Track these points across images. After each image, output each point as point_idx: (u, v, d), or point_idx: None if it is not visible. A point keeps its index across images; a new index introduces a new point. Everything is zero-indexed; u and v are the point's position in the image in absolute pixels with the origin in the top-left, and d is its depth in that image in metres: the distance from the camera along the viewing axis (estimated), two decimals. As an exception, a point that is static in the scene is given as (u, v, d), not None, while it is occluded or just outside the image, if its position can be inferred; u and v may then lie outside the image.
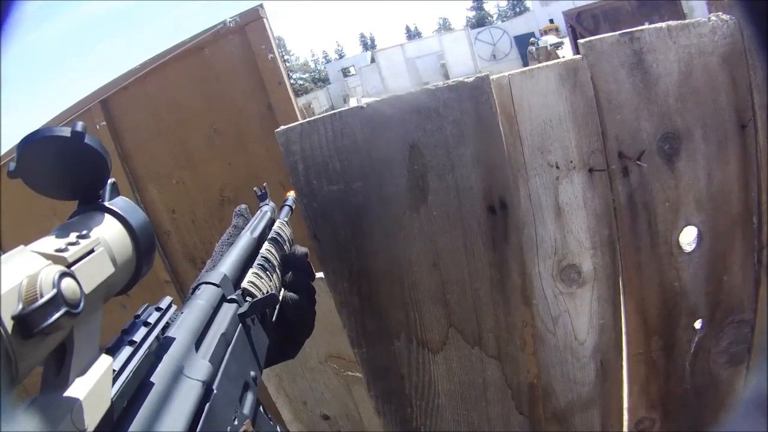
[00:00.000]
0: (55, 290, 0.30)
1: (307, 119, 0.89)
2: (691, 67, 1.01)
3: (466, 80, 0.87)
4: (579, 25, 4.76)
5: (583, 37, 4.85)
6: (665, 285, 1.09)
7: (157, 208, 2.10)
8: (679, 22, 1.02)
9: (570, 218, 1.00)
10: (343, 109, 0.89)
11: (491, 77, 0.90)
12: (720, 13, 1.06)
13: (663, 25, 1.00)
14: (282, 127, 0.91)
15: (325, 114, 0.89)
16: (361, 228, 0.92)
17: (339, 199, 0.91)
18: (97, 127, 2.08)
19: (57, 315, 0.30)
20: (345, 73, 26.16)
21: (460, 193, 0.90)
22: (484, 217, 0.92)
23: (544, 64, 0.94)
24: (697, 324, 1.14)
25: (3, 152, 2.25)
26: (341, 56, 47.74)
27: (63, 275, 0.32)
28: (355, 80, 20.22)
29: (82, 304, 0.32)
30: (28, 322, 0.29)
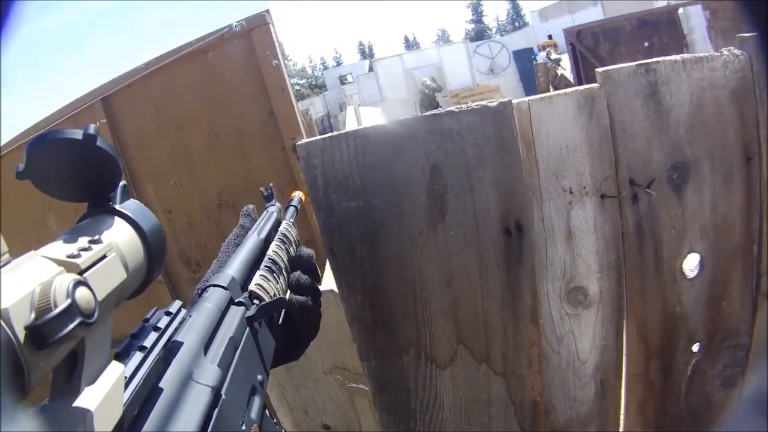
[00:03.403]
0: (69, 300, 0.30)
1: (329, 134, 0.90)
2: (703, 99, 1.04)
3: (489, 104, 0.89)
4: (579, 42, 4.81)
5: (582, 54, 4.93)
6: (667, 309, 1.12)
7: (153, 208, 2.06)
8: (693, 55, 1.05)
9: (580, 242, 1.02)
10: (365, 126, 0.90)
11: (513, 102, 0.91)
12: (732, 48, 1.09)
13: (678, 57, 1.03)
14: (303, 141, 0.91)
15: (348, 130, 0.90)
16: (378, 244, 0.93)
17: (357, 215, 0.92)
18: (98, 124, 2.06)
19: (72, 326, 0.29)
20: (342, 80, 26.05)
21: (478, 215, 0.92)
22: (500, 239, 0.93)
23: (563, 91, 0.96)
24: (695, 347, 1.17)
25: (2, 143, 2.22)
26: (339, 63, 47.61)
27: (77, 284, 0.31)
28: (352, 88, 20.15)
29: (96, 314, 0.32)
30: (42, 332, 0.28)
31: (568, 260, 1.02)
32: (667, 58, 1.03)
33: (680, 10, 5.01)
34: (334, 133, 0.91)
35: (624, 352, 1.13)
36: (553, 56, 10.36)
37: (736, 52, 1.08)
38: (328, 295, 1.09)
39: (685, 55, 1.04)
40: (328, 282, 1.05)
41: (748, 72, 1.07)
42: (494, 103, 0.89)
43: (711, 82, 1.05)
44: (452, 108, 0.89)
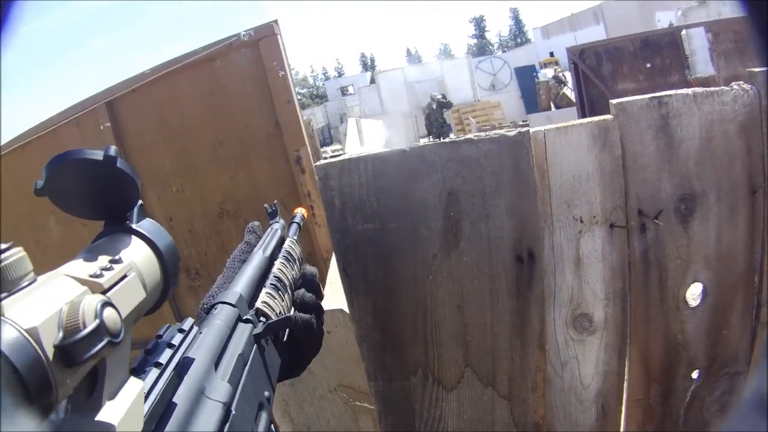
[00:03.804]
0: (98, 321, 0.31)
1: (348, 156, 0.91)
2: (712, 133, 1.06)
3: (507, 133, 0.90)
4: (581, 62, 4.86)
5: (584, 74, 4.98)
6: (669, 336, 1.14)
7: (154, 215, 2.07)
8: (705, 89, 1.06)
9: (588, 270, 1.03)
10: (385, 150, 0.91)
11: (530, 131, 0.92)
12: (742, 82, 1.11)
13: (689, 91, 1.05)
14: (322, 162, 0.92)
15: (367, 153, 0.91)
16: (392, 267, 0.94)
17: (372, 237, 0.93)
18: (102, 127, 2.05)
19: (100, 346, 0.30)
20: (343, 91, 26.11)
21: (491, 242, 0.93)
22: (512, 266, 0.95)
23: (578, 121, 0.97)
24: (695, 374, 1.19)
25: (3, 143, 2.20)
26: (340, 74, 47.62)
27: (105, 305, 0.32)
28: (353, 99, 20.22)
29: (122, 334, 0.33)
30: (71, 351, 0.29)
31: (576, 287, 1.04)
32: (679, 91, 1.04)
33: (683, 32, 5.08)
34: (353, 155, 0.91)
35: (626, 377, 1.15)
36: (559, 73, 10.45)
37: (746, 86, 1.10)
38: (337, 314, 1.10)
39: (697, 89, 1.06)
40: (338, 301, 1.06)
41: (756, 106, 1.10)
42: (512, 133, 0.90)
43: (721, 116, 1.07)
44: (471, 136, 0.90)
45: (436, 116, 12.97)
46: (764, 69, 1.09)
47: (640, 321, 1.11)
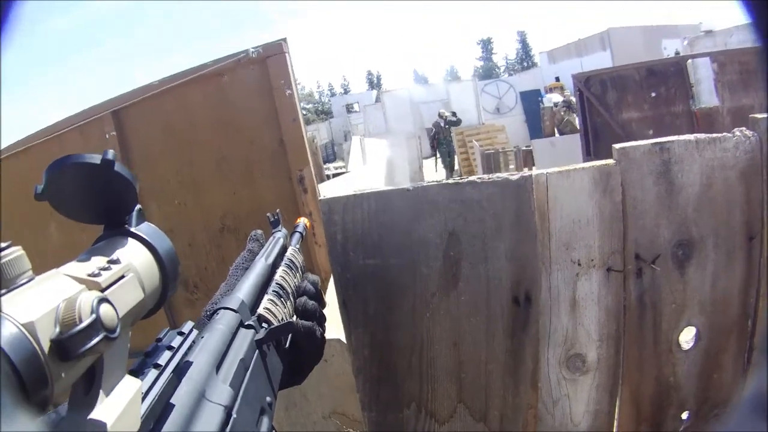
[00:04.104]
0: (94, 315, 0.31)
1: (353, 192, 0.92)
2: (712, 179, 1.07)
3: (511, 177, 0.91)
4: (587, 89, 4.88)
5: (589, 101, 5.00)
6: (661, 378, 1.15)
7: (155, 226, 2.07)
8: (707, 135, 1.08)
9: (583, 312, 1.04)
10: (389, 188, 0.92)
11: (533, 175, 0.94)
12: (744, 128, 1.12)
13: (692, 137, 1.06)
14: (326, 197, 0.93)
15: (371, 190, 0.92)
16: (391, 302, 0.95)
17: (373, 273, 0.94)
18: (107, 136, 2.06)
19: (96, 340, 0.31)
20: (349, 109, 26.16)
21: (490, 283, 0.94)
22: (508, 308, 0.96)
23: (581, 165, 0.99)
24: (684, 415, 1.21)
25: (3, 146, 2.21)
26: (346, 91, 47.72)
27: (101, 301, 0.33)
28: (358, 117, 20.25)
29: (118, 330, 0.33)
30: (67, 345, 0.30)
31: (571, 328, 1.05)
32: (681, 137, 1.06)
33: (689, 62, 5.10)
34: (358, 191, 0.92)
35: (616, 417, 1.16)
36: (570, 98, 10.47)
37: (748, 133, 1.11)
38: (335, 344, 1.11)
39: (699, 136, 1.07)
40: (335, 330, 1.07)
41: (757, 153, 1.11)
42: (515, 177, 0.91)
43: (722, 163, 1.08)
44: (474, 178, 0.91)
45: (445, 134, 12.68)
46: (766, 116, 1.11)
47: (632, 362, 1.12)
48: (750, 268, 1.14)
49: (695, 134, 1.09)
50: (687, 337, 1.15)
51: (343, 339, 1.01)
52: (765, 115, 1.11)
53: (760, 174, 1.12)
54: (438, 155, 13.24)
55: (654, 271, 1.07)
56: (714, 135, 1.10)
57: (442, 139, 12.75)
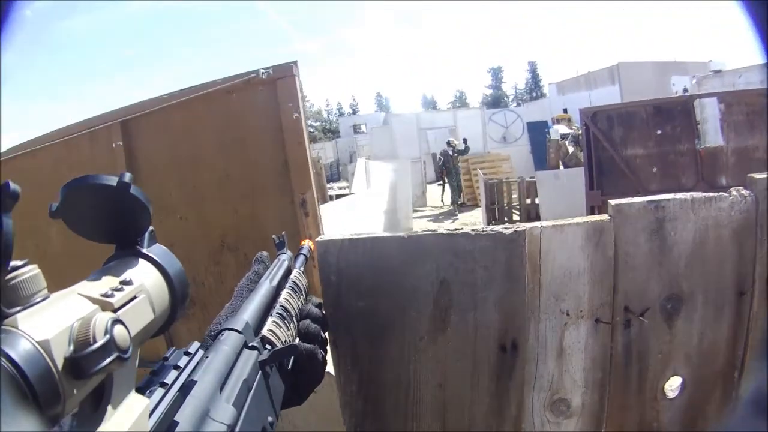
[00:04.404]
0: (108, 336, 0.33)
1: (349, 236, 0.94)
2: (705, 237, 1.09)
3: (504, 231, 0.93)
4: (593, 124, 4.87)
5: (595, 136, 4.99)
6: (644, 425, 1.17)
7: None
8: (704, 195, 1.09)
9: (569, 359, 1.07)
10: (384, 234, 0.95)
11: (527, 228, 0.96)
12: (741, 188, 1.13)
13: (688, 196, 1.08)
14: (324, 238, 0.96)
15: (367, 235, 0.95)
16: (380, 343, 0.98)
17: (364, 314, 0.97)
18: (114, 145, 2.09)
19: (109, 360, 0.32)
20: (356, 129, 26.27)
21: (477, 331, 0.97)
22: (495, 355, 0.98)
23: (575, 221, 1.01)
24: (666, 461, 1.23)
25: (13, 144, 2.25)
26: (355, 112, 47.91)
27: (115, 322, 0.34)
28: (364, 138, 20.32)
29: (131, 350, 0.35)
30: (81, 364, 0.31)
31: (556, 375, 1.07)
32: (677, 196, 1.07)
33: (696, 101, 5.07)
34: (354, 236, 0.95)
35: (598, 460, 1.18)
36: (578, 132, 10.43)
37: (744, 192, 1.12)
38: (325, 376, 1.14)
39: (695, 194, 1.09)
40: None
41: (752, 212, 1.12)
42: (509, 231, 0.94)
43: (716, 221, 1.09)
44: (468, 230, 0.93)
45: (454, 163, 12.51)
46: (764, 176, 1.12)
47: (616, 408, 1.15)
48: (739, 321, 1.16)
49: (691, 193, 1.10)
50: (673, 385, 1.17)
51: (332, 371, 1.04)
52: (764, 175, 1.12)
53: (753, 232, 1.13)
54: (446, 182, 13.17)
55: (642, 323, 1.09)
56: (709, 195, 1.11)
57: (451, 167, 12.59)
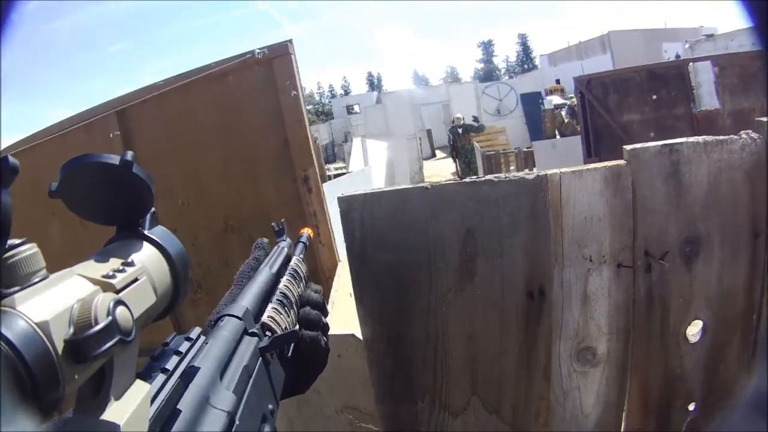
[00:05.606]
0: (110, 318, 0.31)
1: (371, 190, 0.94)
2: (719, 179, 1.10)
3: (527, 176, 0.94)
4: (588, 92, 4.91)
5: (591, 104, 5.04)
6: (668, 371, 1.18)
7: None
8: (715, 138, 1.10)
9: (594, 306, 1.07)
10: (407, 185, 0.94)
11: (547, 174, 0.96)
12: (750, 131, 1.15)
13: (700, 139, 1.09)
14: (345, 194, 0.96)
15: (389, 188, 0.94)
16: (407, 298, 0.98)
17: (389, 269, 0.96)
18: (111, 135, 2.06)
19: (111, 343, 0.31)
20: (349, 110, 26.25)
21: (505, 278, 0.97)
22: (522, 302, 0.98)
23: (593, 166, 1.01)
24: (691, 406, 1.24)
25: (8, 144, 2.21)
26: (347, 92, 47.82)
27: (117, 303, 0.33)
28: (358, 118, 20.29)
29: (133, 333, 0.33)
30: (81, 347, 0.29)
31: (582, 322, 1.07)
32: (690, 139, 1.08)
33: (690, 65, 5.13)
34: (376, 189, 0.95)
35: (625, 408, 1.19)
36: (548, 104, 10.48)
37: (754, 135, 1.14)
38: (349, 338, 1.13)
39: (707, 138, 1.10)
40: (348, 326, 1.10)
41: (763, 154, 1.13)
42: (531, 176, 0.94)
43: (728, 164, 1.11)
44: (491, 177, 0.93)
45: (463, 142, 11.59)
46: None
47: (641, 355, 1.15)
48: (755, 264, 1.17)
49: (703, 136, 1.11)
50: (693, 330, 1.18)
51: (357, 334, 1.04)
52: None
53: (765, 174, 1.14)
54: (457, 163, 12.32)
55: (662, 266, 1.09)
56: (720, 137, 1.12)
57: (459, 147, 11.71)
